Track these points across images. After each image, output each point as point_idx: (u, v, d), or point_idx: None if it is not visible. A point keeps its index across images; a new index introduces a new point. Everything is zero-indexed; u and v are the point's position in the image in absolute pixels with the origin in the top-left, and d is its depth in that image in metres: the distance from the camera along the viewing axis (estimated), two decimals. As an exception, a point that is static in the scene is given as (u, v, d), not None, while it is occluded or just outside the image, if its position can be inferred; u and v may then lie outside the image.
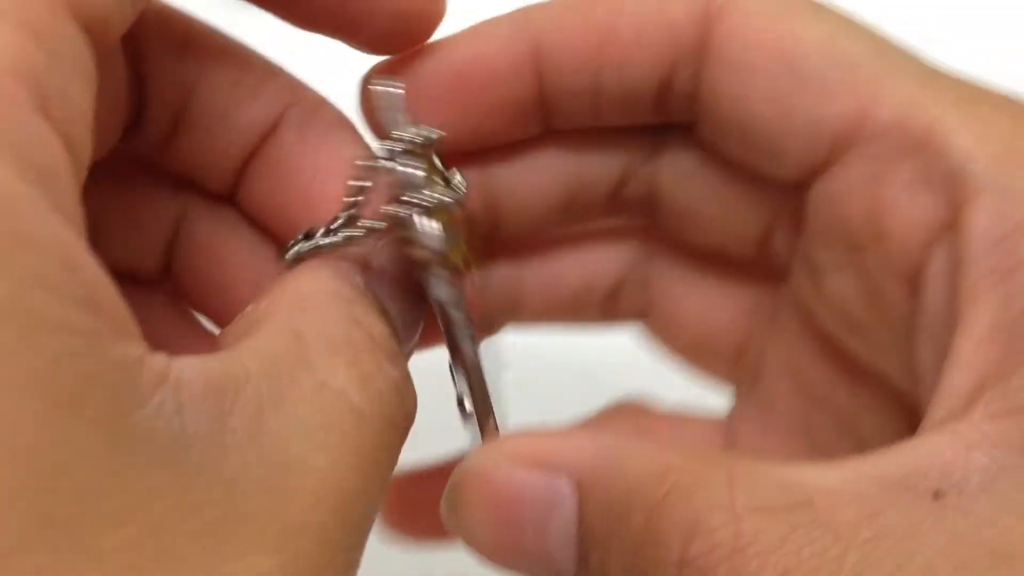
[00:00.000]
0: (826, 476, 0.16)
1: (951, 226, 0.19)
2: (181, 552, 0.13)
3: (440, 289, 0.20)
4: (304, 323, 0.17)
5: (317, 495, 0.15)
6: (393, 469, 0.18)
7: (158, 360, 0.14)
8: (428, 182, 0.20)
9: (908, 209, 0.19)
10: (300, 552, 0.15)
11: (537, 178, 0.23)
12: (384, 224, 0.20)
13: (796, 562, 0.15)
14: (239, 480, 0.14)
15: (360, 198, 0.20)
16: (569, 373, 0.35)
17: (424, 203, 0.19)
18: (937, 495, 0.16)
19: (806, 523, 0.15)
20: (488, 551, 0.18)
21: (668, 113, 0.22)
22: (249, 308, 0.18)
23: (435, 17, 0.20)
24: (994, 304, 0.17)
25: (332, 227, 0.20)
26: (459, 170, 0.20)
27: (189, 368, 0.15)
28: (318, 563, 0.15)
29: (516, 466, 0.17)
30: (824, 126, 0.20)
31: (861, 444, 0.22)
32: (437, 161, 0.20)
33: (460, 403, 0.21)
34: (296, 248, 0.20)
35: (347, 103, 0.22)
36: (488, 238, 0.24)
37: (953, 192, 0.19)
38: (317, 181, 0.20)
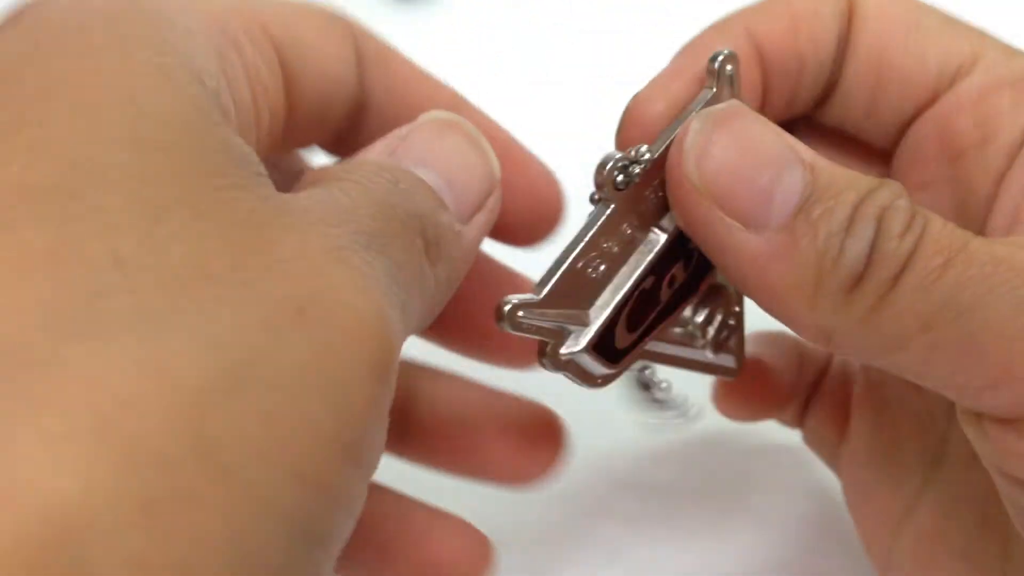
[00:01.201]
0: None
1: None
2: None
3: None
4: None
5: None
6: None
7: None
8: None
9: (1013, 116, 0.23)
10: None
11: None
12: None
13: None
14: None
15: None
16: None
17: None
18: None
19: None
20: (717, 170, 0.21)
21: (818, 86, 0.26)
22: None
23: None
24: None
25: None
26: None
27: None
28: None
29: (770, 124, 0.21)
30: (951, 61, 0.24)
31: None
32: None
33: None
34: None
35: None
36: None
37: None
38: None
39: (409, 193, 0.20)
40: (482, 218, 0.22)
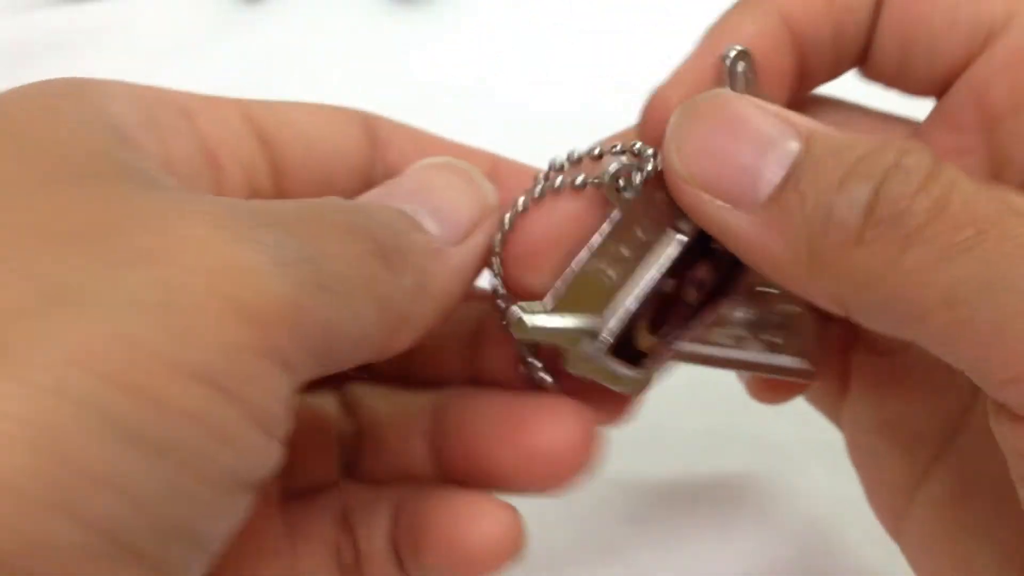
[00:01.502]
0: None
1: None
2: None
3: None
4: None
5: None
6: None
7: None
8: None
9: None
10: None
11: None
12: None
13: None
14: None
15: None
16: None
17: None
18: None
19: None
20: (697, 156, 0.21)
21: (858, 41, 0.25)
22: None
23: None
24: None
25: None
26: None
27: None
28: None
29: (756, 104, 0.21)
30: (983, 19, 0.23)
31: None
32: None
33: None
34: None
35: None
36: None
37: None
38: None
39: (365, 211, 0.21)
40: (476, 240, 0.23)
